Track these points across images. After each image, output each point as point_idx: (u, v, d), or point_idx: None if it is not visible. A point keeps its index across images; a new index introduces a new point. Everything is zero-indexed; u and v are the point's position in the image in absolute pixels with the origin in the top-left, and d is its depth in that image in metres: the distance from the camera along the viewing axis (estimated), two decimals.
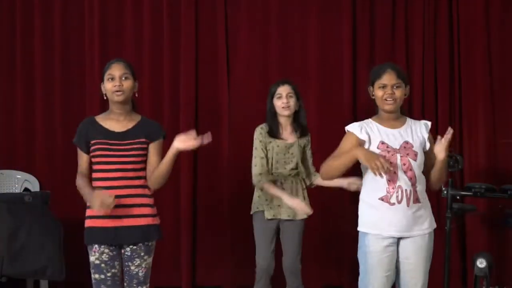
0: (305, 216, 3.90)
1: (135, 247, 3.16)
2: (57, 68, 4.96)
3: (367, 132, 3.08)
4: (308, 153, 3.99)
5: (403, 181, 2.99)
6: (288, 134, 3.94)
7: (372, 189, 3.06)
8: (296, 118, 3.96)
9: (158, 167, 3.18)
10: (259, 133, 3.91)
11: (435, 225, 3.14)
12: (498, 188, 4.43)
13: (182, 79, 4.93)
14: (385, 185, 3.00)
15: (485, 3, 4.98)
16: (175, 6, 4.96)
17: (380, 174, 2.88)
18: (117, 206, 3.04)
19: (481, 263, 4.19)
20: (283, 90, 3.90)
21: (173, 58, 4.96)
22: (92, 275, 3.15)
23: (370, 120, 3.16)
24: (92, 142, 3.15)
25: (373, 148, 3.04)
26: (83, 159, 3.20)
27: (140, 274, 3.18)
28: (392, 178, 2.99)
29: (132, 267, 3.17)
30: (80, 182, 3.13)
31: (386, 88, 3.06)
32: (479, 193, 4.36)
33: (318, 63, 4.97)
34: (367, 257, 3.05)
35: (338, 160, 3.02)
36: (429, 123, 3.20)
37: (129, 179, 3.14)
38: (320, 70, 4.97)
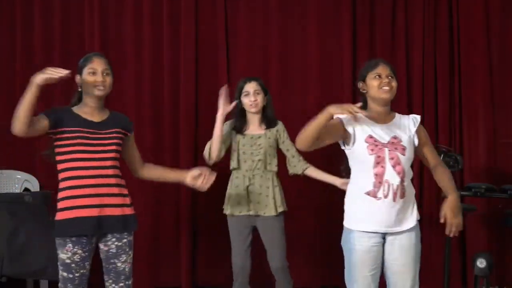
0: (281, 209, 3.88)
1: (120, 243, 3.13)
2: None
3: (353, 125, 3.03)
4: (287, 142, 3.95)
5: (390, 176, 2.94)
6: (255, 128, 3.95)
7: (358, 184, 3.02)
8: (264, 112, 3.96)
9: (163, 172, 3.34)
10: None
11: (418, 217, 3.09)
12: (498, 188, 4.44)
13: (182, 79, 4.93)
14: (371, 180, 2.95)
15: (485, 3, 4.98)
16: (175, 6, 4.96)
17: (355, 114, 2.83)
18: (96, 196, 3.04)
19: (481, 263, 4.19)
20: (250, 87, 3.91)
21: (173, 58, 4.96)
22: (60, 272, 3.07)
23: (360, 114, 3.11)
24: (68, 129, 3.09)
25: (361, 141, 2.99)
26: (41, 120, 3.11)
27: (126, 269, 3.18)
28: (379, 172, 2.94)
29: (119, 264, 3.14)
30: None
31: (382, 77, 3.04)
32: (479, 193, 4.36)
33: (318, 62, 4.97)
34: (351, 254, 3.02)
35: (312, 124, 2.89)
36: (418, 117, 3.16)
37: (107, 168, 3.11)
38: (320, 70, 4.97)
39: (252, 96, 3.89)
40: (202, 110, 4.97)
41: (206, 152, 3.91)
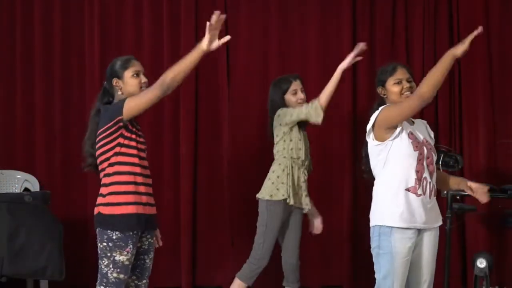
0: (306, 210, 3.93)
1: (152, 240, 3.17)
2: (57, 68, 4.96)
3: (408, 128, 3.05)
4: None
5: (427, 174, 3.00)
6: None
7: (397, 180, 2.99)
8: None
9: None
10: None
11: (441, 221, 3.14)
12: (498, 188, 4.43)
13: None
14: (413, 176, 2.97)
15: (485, 3, 4.98)
16: (175, 6, 4.96)
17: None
18: (150, 194, 3.11)
19: (481, 263, 4.19)
20: (297, 85, 3.93)
21: (173, 58, 4.94)
22: (115, 274, 2.99)
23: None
24: (133, 124, 3.10)
25: (405, 136, 2.99)
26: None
27: (150, 267, 3.20)
28: (420, 169, 2.98)
29: (147, 260, 3.17)
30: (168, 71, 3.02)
31: (403, 83, 3.06)
32: None
33: (318, 63, 4.97)
34: (393, 257, 2.94)
35: (439, 70, 2.87)
36: (425, 122, 3.24)
37: (148, 168, 3.17)
38: (320, 70, 4.96)
39: (301, 93, 3.92)
40: (202, 109, 4.97)
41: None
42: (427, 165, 3.01)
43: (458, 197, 4.46)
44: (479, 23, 4.91)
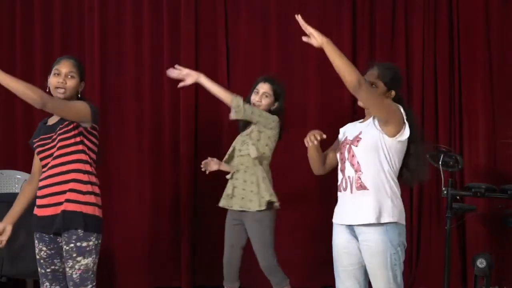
0: (263, 205, 3.75)
1: (63, 244, 3.00)
2: None
3: (344, 133, 3.10)
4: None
5: (348, 168, 2.97)
6: None
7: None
8: None
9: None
10: None
11: (391, 220, 2.91)
12: (498, 188, 4.44)
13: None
14: (340, 174, 3.02)
15: (485, 3, 4.98)
16: (175, 6, 4.96)
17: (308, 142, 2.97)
18: (45, 196, 3.02)
19: (481, 263, 4.19)
20: (262, 88, 3.85)
21: (173, 58, 4.95)
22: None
23: (361, 120, 3.13)
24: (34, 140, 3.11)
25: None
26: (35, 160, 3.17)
27: (72, 276, 3.02)
28: (342, 168, 3.00)
29: (67, 269, 3.02)
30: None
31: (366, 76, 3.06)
32: (479, 193, 4.36)
33: (318, 63, 4.97)
34: (333, 249, 3.07)
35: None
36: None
37: (58, 165, 3.02)
38: (320, 70, 4.96)
39: (258, 96, 3.83)
40: (203, 110, 4.97)
41: None
42: (350, 159, 2.95)
43: (458, 197, 4.47)
44: (479, 23, 4.97)
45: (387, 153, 2.92)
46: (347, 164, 2.97)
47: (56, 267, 3.09)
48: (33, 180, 3.19)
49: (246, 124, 3.86)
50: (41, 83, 4.89)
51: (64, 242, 2.98)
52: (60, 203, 2.97)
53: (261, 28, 5.01)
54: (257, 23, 5.02)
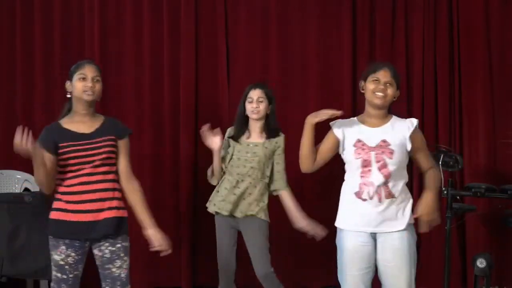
0: (263, 216, 3.88)
1: (115, 248, 3.17)
2: (57, 68, 4.96)
3: (343, 131, 3.14)
4: (280, 156, 3.94)
5: (375, 178, 3.01)
6: (256, 136, 3.95)
7: (348, 184, 3.12)
8: (266, 121, 3.95)
9: (134, 205, 3.32)
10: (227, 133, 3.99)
11: (412, 220, 3.11)
12: (498, 188, 4.44)
13: (182, 79, 4.93)
14: (357, 181, 3.04)
15: (485, 3, 4.98)
16: (175, 6, 4.96)
17: (334, 114, 3.06)
18: (86, 201, 3.11)
19: (481, 263, 4.20)
20: (254, 94, 3.92)
21: (173, 58, 4.96)
22: (54, 272, 3.15)
23: (355, 118, 3.22)
24: (61, 145, 3.16)
25: (349, 145, 3.11)
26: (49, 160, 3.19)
27: (123, 276, 3.20)
28: (365, 174, 3.02)
29: (114, 269, 3.18)
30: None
31: (379, 83, 3.07)
32: (479, 193, 4.37)
33: (318, 63, 4.97)
34: (342, 254, 3.10)
35: (301, 143, 3.16)
36: (415, 122, 3.19)
37: (100, 174, 3.17)
38: (320, 70, 4.97)
39: (254, 103, 3.90)
40: (202, 110, 4.97)
41: (209, 177, 4.02)
42: (379, 169, 3.02)
43: (458, 197, 4.47)
44: (479, 22, 4.97)
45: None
46: (375, 172, 3.02)
47: (78, 272, 3.19)
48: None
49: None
50: (41, 83, 4.96)
51: (107, 245, 3.16)
52: (102, 210, 3.14)
53: (261, 28, 5.01)
54: (257, 23, 5.02)
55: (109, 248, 3.16)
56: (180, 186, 4.91)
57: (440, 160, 4.32)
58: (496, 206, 4.74)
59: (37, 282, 4.57)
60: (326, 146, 3.20)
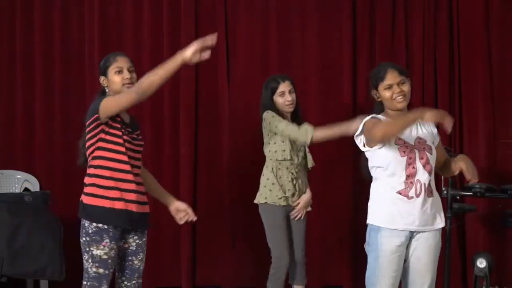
0: (309, 209, 3.99)
1: (140, 241, 3.17)
2: (57, 68, 4.96)
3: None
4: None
5: (421, 175, 3.00)
6: None
7: (387, 184, 3.04)
8: (294, 111, 3.97)
9: (153, 186, 3.34)
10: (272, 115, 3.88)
11: (444, 223, 3.13)
12: (498, 188, 4.43)
13: (182, 79, 4.93)
14: (403, 179, 3.00)
15: (485, 3, 4.98)
16: (175, 6, 4.96)
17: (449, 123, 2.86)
18: (139, 192, 3.12)
19: (481, 263, 4.20)
20: (285, 87, 3.91)
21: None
22: (94, 268, 3.02)
23: (381, 115, 3.13)
24: (119, 119, 3.09)
25: (392, 143, 3.02)
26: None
27: (141, 268, 3.22)
28: (410, 173, 2.99)
29: (136, 262, 3.18)
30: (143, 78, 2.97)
31: (393, 88, 3.06)
32: (479, 193, 4.36)
33: (318, 62, 4.97)
34: (378, 255, 3.02)
35: (401, 122, 2.94)
36: None
37: (139, 167, 3.21)
38: (320, 70, 4.97)
39: (288, 95, 3.89)
40: (202, 110, 4.97)
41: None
42: (423, 166, 3.01)
43: (458, 197, 4.46)
44: (479, 22, 4.97)
45: None
46: (420, 169, 3.00)
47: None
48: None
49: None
50: (40, 82, 4.96)
51: (136, 237, 3.16)
52: (147, 203, 3.19)
53: (261, 28, 5.01)
54: (257, 23, 5.02)
55: (137, 241, 3.16)
56: (180, 186, 4.91)
57: None
58: (496, 206, 4.75)
59: (37, 282, 4.57)
60: None
